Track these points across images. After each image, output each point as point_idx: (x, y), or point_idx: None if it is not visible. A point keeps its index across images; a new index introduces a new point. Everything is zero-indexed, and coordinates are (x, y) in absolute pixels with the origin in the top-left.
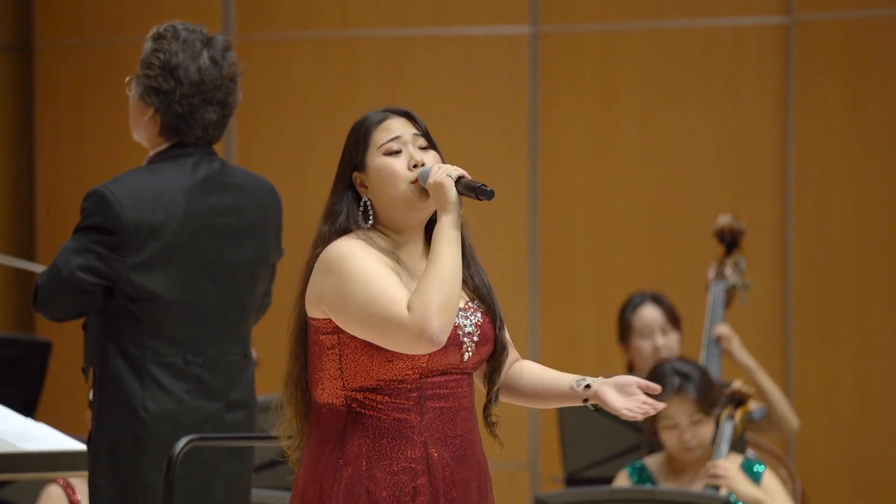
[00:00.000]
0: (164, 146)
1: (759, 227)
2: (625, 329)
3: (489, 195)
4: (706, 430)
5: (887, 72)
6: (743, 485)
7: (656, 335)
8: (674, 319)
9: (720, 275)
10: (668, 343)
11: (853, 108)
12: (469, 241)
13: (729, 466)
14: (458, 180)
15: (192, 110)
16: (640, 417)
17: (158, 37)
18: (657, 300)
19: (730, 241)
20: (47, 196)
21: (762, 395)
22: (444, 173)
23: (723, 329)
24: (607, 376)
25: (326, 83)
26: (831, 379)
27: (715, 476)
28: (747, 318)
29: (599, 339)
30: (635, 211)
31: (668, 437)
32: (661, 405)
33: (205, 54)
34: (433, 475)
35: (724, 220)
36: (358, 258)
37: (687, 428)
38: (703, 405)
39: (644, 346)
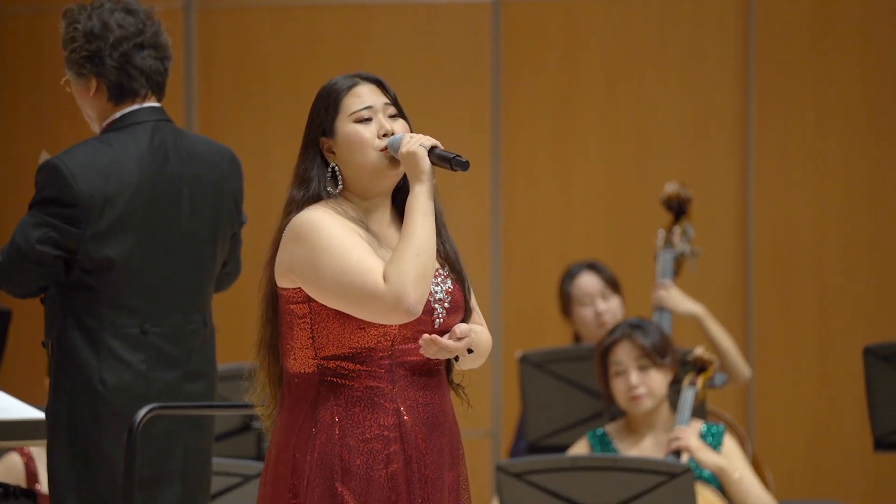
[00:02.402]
0: (116, 114)
1: (720, 193)
2: (566, 301)
3: (464, 166)
4: (656, 379)
5: (848, 40)
6: (705, 454)
7: (596, 301)
8: (613, 284)
9: (668, 243)
10: (609, 307)
11: (814, 75)
12: (440, 207)
13: (690, 435)
14: (431, 150)
15: (126, 58)
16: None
17: (67, 15)
18: (593, 267)
19: (677, 208)
20: (3, 165)
21: (712, 342)
22: (416, 143)
23: (656, 294)
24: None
25: (288, 51)
26: (792, 344)
27: (675, 439)
28: (709, 285)
29: None
30: (598, 178)
31: (618, 386)
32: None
33: (117, 10)
34: (406, 442)
35: (671, 187)
36: (329, 228)
37: (634, 372)
38: (650, 352)
39: (586, 313)
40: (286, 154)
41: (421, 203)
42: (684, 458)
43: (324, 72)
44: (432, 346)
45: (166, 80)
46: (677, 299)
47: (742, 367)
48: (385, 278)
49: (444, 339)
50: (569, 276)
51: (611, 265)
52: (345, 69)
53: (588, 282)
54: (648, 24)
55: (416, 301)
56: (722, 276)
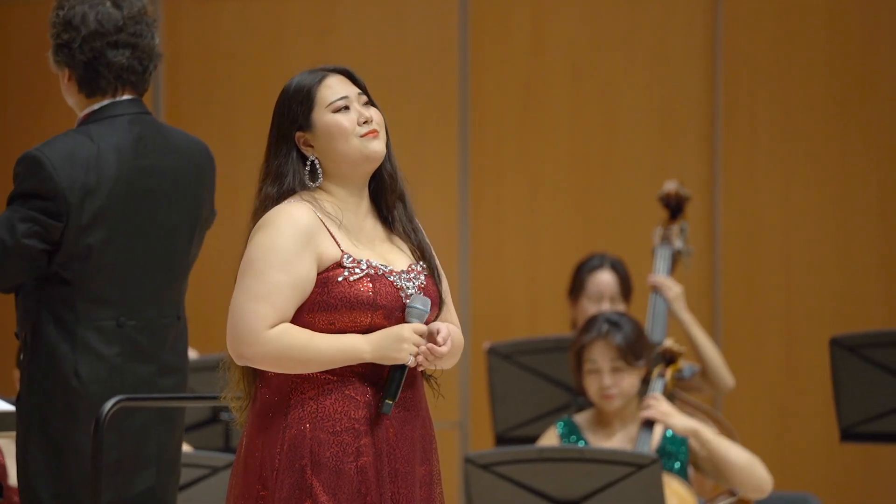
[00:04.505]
0: (93, 106)
1: (687, 182)
2: (577, 287)
3: (385, 408)
4: (628, 380)
5: (815, 35)
6: (677, 419)
7: (604, 302)
8: (626, 290)
9: (666, 240)
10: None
11: (780, 70)
12: (409, 198)
13: (661, 401)
14: (403, 370)
15: (95, 56)
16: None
17: None
18: (615, 267)
19: (675, 206)
20: None
21: (697, 352)
22: (410, 349)
23: (660, 279)
24: None
25: (255, 42)
26: (758, 336)
27: (647, 407)
28: (675, 277)
29: (529, 294)
30: (564, 166)
31: (590, 383)
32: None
33: (107, 2)
34: (376, 436)
35: (670, 185)
36: (282, 238)
37: (607, 373)
38: (625, 354)
39: (590, 309)
40: (253, 145)
41: (357, 353)
42: (658, 428)
43: (290, 63)
44: (430, 357)
45: (144, 80)
46: (679, 299)
47: (725, 377)
48: (273, 331)
49: (437, 348)
50: (590, 265)
51: (577, 253)
52: (312, 59)
53: (606, 281)
54: (615, 15)
55: (250, 357)
56: (689, 269)
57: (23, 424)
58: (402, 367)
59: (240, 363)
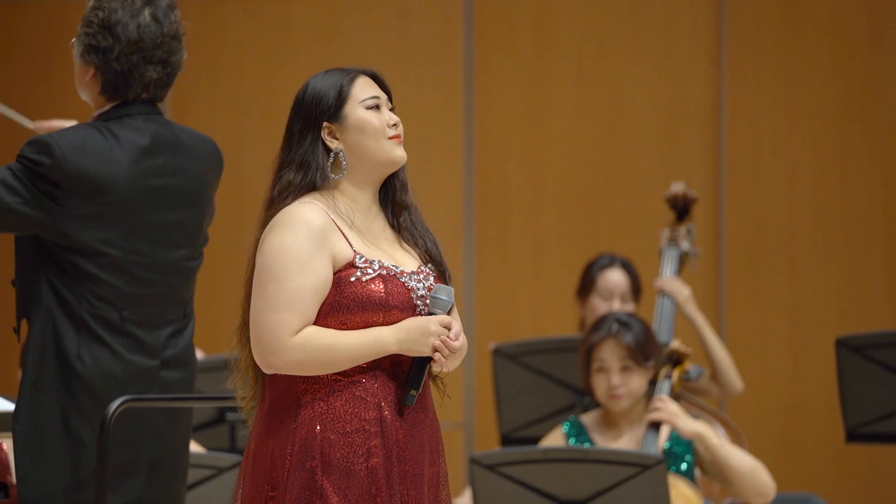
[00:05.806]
0: (108, 106)
1: (692, 184)
2: (587, 286)
3: (409, 399)
4: (636, 380)
5: (818, 32)
6: (684, 421)
7: (615, 300)
8: (636, 290)
9: (673, 241)
10: (625, 311)
11: (785, 67)
12: (415, 203)
13: (668, 402)
14: (428, 362)
15: (130, 68)
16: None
17: None
18: (626, 266)
19: (682, 208)
20: None
21: (708, 354)
22: (430, 342)
23: (669, 282)
24: None
25: (260, 42)
26: (764, 336)
27: (655, 410)
28: (682, 275)
29: (534, 294)
30: (570, 167)
31: (598, 382)
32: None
33: (146, 12)
34: (387, 437)
35: (677, 187)
36: (300, 241)
37: (616, 373)
38: (634, 353)
39: (601, 307)
40: (259, 144)
41: (383, 345)
42: (665, 429)
43: (296, 62)
44: (445, 351)
45: (165, 92)
46: (686, 301)
47: (735, 380)
48: (297, 338)
49: (452, 342)
50: (600, 264)
51: (582, 254)
52: (317, 60)
53: (617, 279)
54: (621, 14)
55: (279, 366)
56: (695, 270)
57: (20, 407)
58: (428, 357)
59: (268, 371)
